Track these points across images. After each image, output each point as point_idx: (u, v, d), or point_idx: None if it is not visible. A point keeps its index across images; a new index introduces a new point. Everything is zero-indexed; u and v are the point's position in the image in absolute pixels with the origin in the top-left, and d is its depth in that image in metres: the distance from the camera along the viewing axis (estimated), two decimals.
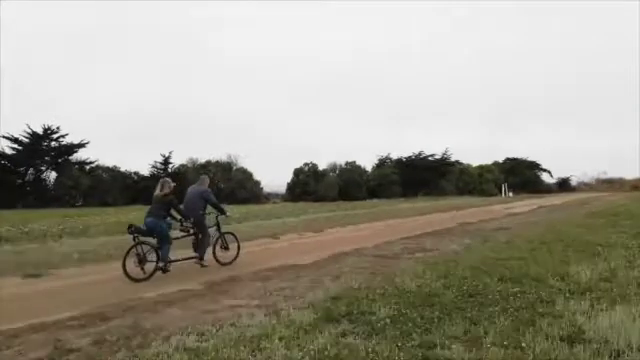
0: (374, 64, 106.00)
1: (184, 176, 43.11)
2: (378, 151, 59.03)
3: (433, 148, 66.04)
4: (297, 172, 48.43)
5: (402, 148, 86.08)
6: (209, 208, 8.16)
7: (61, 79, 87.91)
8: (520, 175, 61.57)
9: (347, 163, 50.73)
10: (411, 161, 52.04)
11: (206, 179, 8.51)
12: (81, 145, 38.63)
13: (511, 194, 39.50)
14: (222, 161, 45.90)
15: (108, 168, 41.19)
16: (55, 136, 36.65)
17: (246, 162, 47.04)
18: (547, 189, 61.55)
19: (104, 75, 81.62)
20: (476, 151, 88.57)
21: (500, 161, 64.92)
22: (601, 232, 10.98)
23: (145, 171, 42.96)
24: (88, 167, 39.72)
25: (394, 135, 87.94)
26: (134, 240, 6.95)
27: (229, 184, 42.54)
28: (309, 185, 46.88)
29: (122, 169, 42.08)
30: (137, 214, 19.49)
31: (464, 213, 19.86)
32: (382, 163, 52.68)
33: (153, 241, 7.20)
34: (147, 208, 7.61)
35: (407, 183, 50.52)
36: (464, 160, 59.06)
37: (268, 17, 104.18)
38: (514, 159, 64.66)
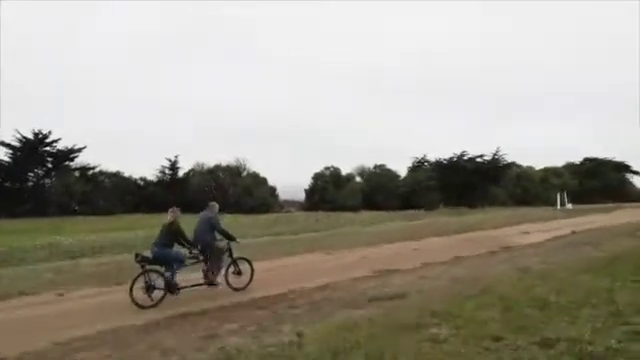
0: (439, 59, 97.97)
1: (188, 182, 41.32)
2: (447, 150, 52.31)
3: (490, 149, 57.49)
4: (316, 177, 44.22)
5: (475, 147, 77.21)
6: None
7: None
8: (601, 179, 51.47)
9: (376, 166, 45.48)
10: (452, 163, 45.21)
11: (215, 206, 8.67)
12: (78, 150, 37.99)
13: (570, 205, 31.64)
14: (232, 165, 43.20)
15: (111, 173, 40.35)
16: (48, 141, 36.15)
17: (257, 165, 44.06)
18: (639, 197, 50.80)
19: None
20: (549, 150, 77.37)
21: (577, 162, 55.13)
22: None
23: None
24: (90, 173, 39.07)
25: (468, 133, 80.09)
26: (141, 268, 7.18)
27: (234, 191, 39.50)
28: (327, 192, 42.42)
29: (126, 174, 41.16)
30: (117, 235, 16.89)
31: (405, 250, 13.34)
32: (418, 166, 46.53)
33: (161, 269, 7.36)
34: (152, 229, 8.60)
35: (447, 189, 43.93)
36: (527, 162, 50.80)
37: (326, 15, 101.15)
38: (594, 159, 54.38)
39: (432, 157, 46.40)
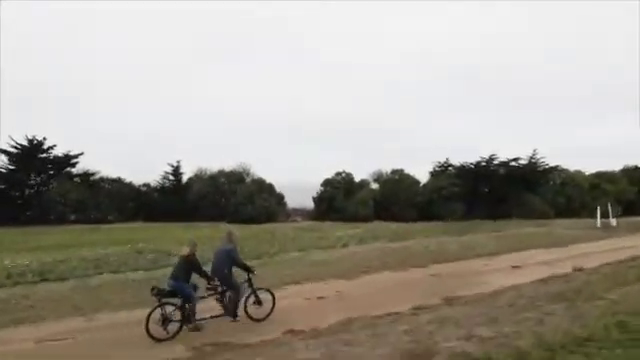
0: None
1: (189, 188, 39.91)
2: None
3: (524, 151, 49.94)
4: (326, 183, 41.27)
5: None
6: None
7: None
8: None
9: (393, 171, 41.74)
10: (480, 168, 40.42)
11: (233, 235, 8.55)
12: (75, 156, 37.71)
13: (614, 221, 26.18)
14: (236, 171, 41.31)
15: (111, 179, 39.81)
16: (45, 147, 36.03)
17: (260, 171, 41.90)
18: None
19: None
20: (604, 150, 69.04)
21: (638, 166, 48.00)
22: None
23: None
24: (91, 179, 38.75)
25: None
26: (158, 301, 7.11)
27: (233, 200, 37.49)
28: (336, 200, 39.34)
29: (127, 180, 40.49)
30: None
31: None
32: (440, 171, 42.14)
33: (177, 301, 7.29)
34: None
35: (474, 198, 39.37)
36: (574, 166, 44.76)
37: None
38: None
39: (459, 159, 41.76)
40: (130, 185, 40.35)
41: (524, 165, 40.91)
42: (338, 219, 38.63)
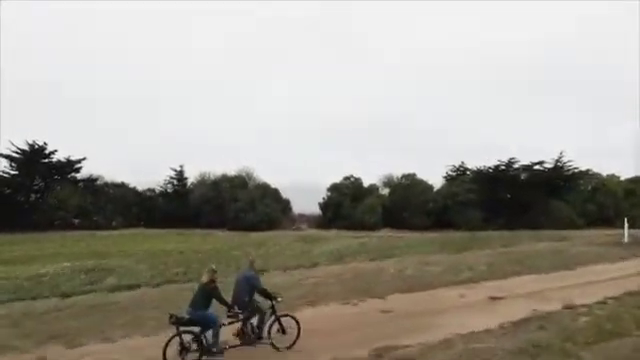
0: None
1: (191, 194, 39.15)
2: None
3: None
4: (333, 188, 39.49)
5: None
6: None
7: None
8: None
9: (404, 176, 39.42)
10: (499, 173, 37.43)
11: (254, 261, 8.27)
12: (78, 161, 37.74)
13: None
14: (239, 176, 40.24)
15: (115, 184, 39.68)
16: (46, 152, 36.19)
17: (262, 176, 40.62)
18: None
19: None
20: None
21: None
22: None
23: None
24: (94, 184, 38.75)
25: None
26: (176, 330, 6.90)
27: (234, 206, 36.35)
28: (343, 207, 37.48)
29: (131, 185, 40.27)
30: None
31: None
32: (456, 176, 39.42)
33: (196, 330, 7.10)
34: None
35: (493, 205, 36.48)
36: (605, 170, 40.94)
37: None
38: None
39: (477, 164, 38.91)
40: (134, 190, 40.12)
41: (549, 169, 37.63)
42: (344, 227, 36.84)
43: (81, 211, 35.62)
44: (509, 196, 37.19)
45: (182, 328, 6.97)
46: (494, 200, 36.36)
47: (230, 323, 7.51)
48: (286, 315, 8.08)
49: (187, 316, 7.11)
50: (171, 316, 6.98)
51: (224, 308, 7.44)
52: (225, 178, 39.53)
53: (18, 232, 31.87)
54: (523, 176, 37.85)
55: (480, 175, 37.74)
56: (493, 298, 11.18)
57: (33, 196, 36.63)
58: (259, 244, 24.92)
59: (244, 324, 7.61)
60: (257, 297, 7.74)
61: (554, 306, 10.14)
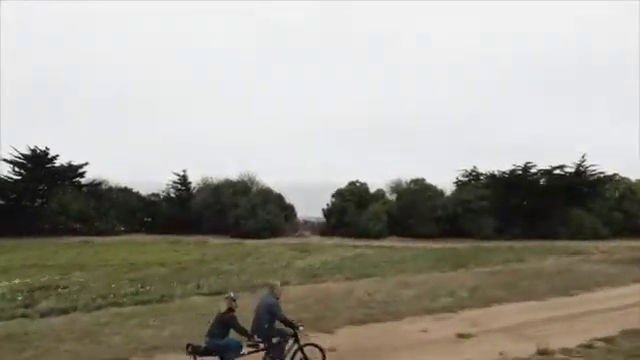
0: None
1: (192, 199, 38.51)
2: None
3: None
4: (338, 194, 38.05)
5: None
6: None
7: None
8: None
9: (412, 181, 37.56)
10: (515, 178, 35.01)
11: (276, 287, 7.68)
12: (80, 166, 37.81)
13: None
14: (241, 181, 39.37)
15: (119, 189, 39.55)
16: (49, 157, 36.36)
17: (265, 181, 39.62)
18: None
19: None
20: None
21: None
22: None
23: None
24: (97, 189, 38.74)
25: None
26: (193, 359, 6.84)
27: (234, 212, 35.46)
28: (346, 214, 35.98)
29: (134, 190, 40.04)
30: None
31: None
32: (467, 181, 37.23)
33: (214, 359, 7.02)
34: None
35: (508, 213, 34.15)
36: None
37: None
38: None
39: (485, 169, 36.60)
40: (137, 195, 39.87)
41: (571, 174, 34.99)
42: (348, 234, 35.38)
43: (82, 216, 35.56)
44: (525, 203, 34.73)
45: (199, 358, 6.81)
46: (509, 207, 34.04)
47: (250, 353, 7.20)
48: (309, 344, 7.78)
49: (204, 345, 6.90)
50: (188, 345, 6.80)
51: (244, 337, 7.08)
52: (227, 183, 38.72)
53: (22, 237, 32.14)
54: (542, 181, 35.36)
55: (494, 180, 35.47)
56: (460, 335, 9.61)
57: (38, 201, 36.84)
58: (247, 254, 23.86)
59: (266, 354, 7.34)
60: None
61: (526, 349, 8.53)
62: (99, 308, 11.86)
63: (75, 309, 11.62)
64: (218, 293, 13.57)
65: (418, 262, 20.12)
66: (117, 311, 11.45)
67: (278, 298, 7.56)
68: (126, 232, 37.87)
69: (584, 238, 32.06)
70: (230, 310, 7.05)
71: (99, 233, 35.12)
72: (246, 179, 38.97)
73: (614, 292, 13.70)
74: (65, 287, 14.23)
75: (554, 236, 32.66)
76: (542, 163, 36.54)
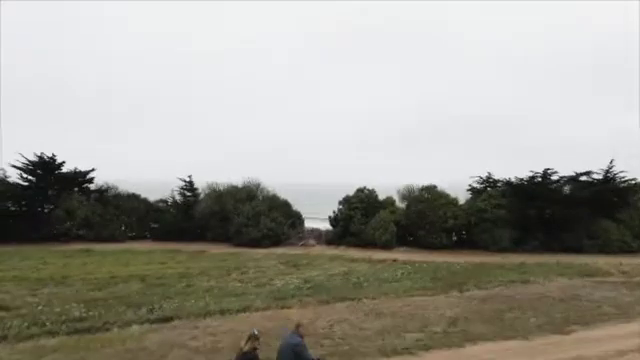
0: None
1: (195, 206, 37.91)
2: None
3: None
4: (345, 201, 36.50)
5: None
6: None
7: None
8: None
9: (423, 188, 35.52)
10: (535, 185, 32.34)
11: (300, 324, 7.16)
12: (86, 172, 38.00)
13: None
14: (246, 187, 38.49)
15: (126, 196, 39.51)
16: (56, 164, 36.68)
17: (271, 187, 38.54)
18: None
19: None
20: None
21: None
22: None
23: None
24: (104, 195, 38.87)
25: None
26: None
27: (237, 220, 34.57)
28: (353, 222, 34.40)
29: (142, 196, 39.94)
30: None
31: None
32: (482, 189, 34.77)
33: None
34: None
35: (527, 223, 31.58)
36: None
37: None
38: None
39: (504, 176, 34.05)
40: (145, 201, 39.74)
41: (598, 181, 32.06)
42: (355, 244, 33.85)
43: (88, 223, 35.65)
44: (547, 213, 32.05)
45: None
46: (528, 217, 31.49)
47: None
48: None
49: None
50: None
51: None
52: (232, 189, 37.94)
53: (29, 243, 32.58)
54: (566, 189, 32.60)
55: (511, 188, 32.94)
56: None
57: (48, 207, 37.24)
58: (234, 269, 22.77)
59: None
60: None
61: None
62: (30, 338, 10.97)
63: (6, 338, 10.80)
64: (165, 320, 12.51)
65: (409, 281, 18.41)
66: (43, 343, 10.51)
67: (303, 337, 6.95)
68: (132, 238, 37.83)
69: (611, 252, 29.27)
70: (253, 349, 6.48)
71: (104, 240, 35.16)
72: (252, 186, 38.02)
73: (619, 330, 11.66)
74: (17, 308, 13.54)
75: (578, 249, 29.98)
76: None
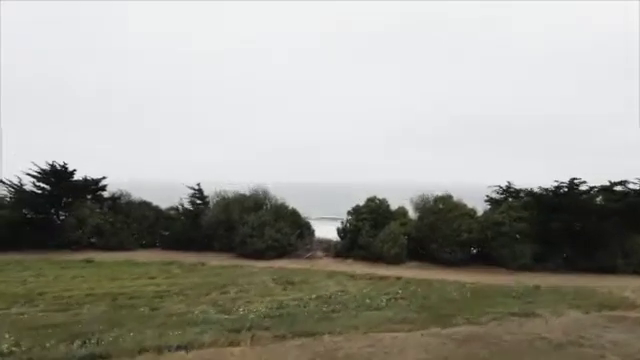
0: None
1: (201, 215, 37.30)
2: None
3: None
4: (354, 211, 34.72)
5: None
6: None
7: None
8: None
9: (437, 199, 33.07)
10: (560, 197, 29.14)
11: None
12: (97, 181, 38.41)
13: None
14: (253, 195, 37.51)
15: (137, 204, 39.65)
16: (68, 172, 37.27)
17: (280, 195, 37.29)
18: None
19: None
20: None
21: None
22: None
23: None
24: (116, 203, 39.20)
25: None
26: None
27: (241, 230, 33.63)
28: (361, 234, 32.55)
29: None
30: None
31: None
32: (502, 199, 31.86)
33: None
34: None
35: (551, 238, 28.56)
36: None
37: None
38: None
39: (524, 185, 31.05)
40: (156, 209, 39.74)
41: (635, 192, 28.50)
42: (363, 257, 32.03)
43: (98, 231, 35.97)
44: (577, 226, 28.89)
45: None
46: (553, 231, 28.48)
47: None
48: None
49: None
50: None
51: None
52: (240, 198, 37.11)
53: (37, 251, 33.27)
54: (598, 202, 29.26)
55: (534, 199, 29.95)
56: None
57: (62, 215, 37.98)
58: (221, 286, 21.67)
59: None
60: None
61: None
62: None
63: None
64: (92, 358, 11.49)
65: (391, 310, 16.50)
66: None
67: None
68: (143, 246, 37.91)
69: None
70: None
71: (113, 248, 35.35)
72: (258, 194, 37.03)
73: None
74: None
75: (611, 269, 26.76)
76: None
